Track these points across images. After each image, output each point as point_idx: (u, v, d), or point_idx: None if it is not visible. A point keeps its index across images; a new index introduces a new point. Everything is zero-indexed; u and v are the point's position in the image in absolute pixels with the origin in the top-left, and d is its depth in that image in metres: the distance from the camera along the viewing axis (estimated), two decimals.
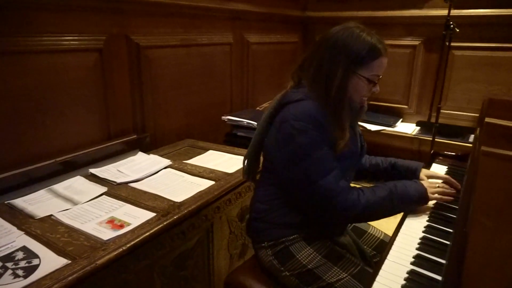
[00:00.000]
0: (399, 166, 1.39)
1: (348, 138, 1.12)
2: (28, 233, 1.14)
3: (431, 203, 1.21)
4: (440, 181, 1.28)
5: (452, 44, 2.52)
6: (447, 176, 1.33)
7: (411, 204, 1.16)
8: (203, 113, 2.41)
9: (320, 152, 1.08)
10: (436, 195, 1.19)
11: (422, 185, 1.18)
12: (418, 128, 2.99)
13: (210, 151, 1.98)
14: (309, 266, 1.12)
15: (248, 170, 1.29)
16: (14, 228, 1.16)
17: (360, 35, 1.11)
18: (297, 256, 1.14)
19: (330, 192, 1.08)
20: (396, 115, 3.19)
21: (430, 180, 1.29)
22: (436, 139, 2.62)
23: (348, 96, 1.14)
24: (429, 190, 1.18)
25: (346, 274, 1.10)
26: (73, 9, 1.56)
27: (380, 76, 1.17)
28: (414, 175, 1.34)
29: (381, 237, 1.40)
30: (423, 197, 1.16)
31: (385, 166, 1.41)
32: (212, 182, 1.55)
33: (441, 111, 2.63)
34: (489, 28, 2.68)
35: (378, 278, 0.89)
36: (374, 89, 1.18)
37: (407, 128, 3.01)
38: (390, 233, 1.15)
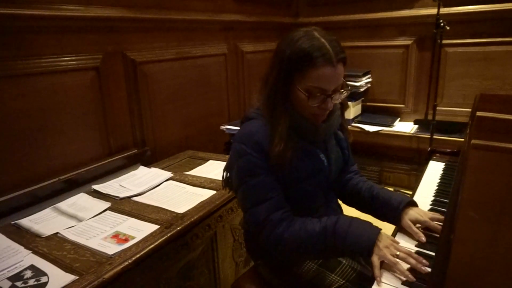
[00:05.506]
0: (379, 198, 1.15)
1: (285, 152, 1.00)
2: (35, 252, 1.16)
3: None
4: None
5: (444, 41, 2.55)
6: (434, 221, 1.05)
7: (345, 251, 0.97)
8: (201, 123, 2.44)
9: (255, 179, 1.02)
10: (390, 257, 0.90)
11: (375, 234, 0.95)
12: (416, 126, 3.01)
13: (210, 161, 2.01)
14: (306, 277, 1.12)
15: (226, 181, 1.22)
16: (22, 248, 1.18)
17: (299, 39, 0.97)
18: (294, 269, 1.14)
19: (257, 223, 1.02)
20: (393, 114, 3.21)
21: (400, 242, 0.98)
22: (434, 136, 2.64)
23: (296, 108, 1.04)
24: (384, 251, 0.91)
25: (344, 281, 1.08)
26: (69, 30, 1.60)
27: (329, 90, 0.99)
28: (394, 213, 1.10)
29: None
30: (367, 249, 0.93)
31: (365, 195, 1.19)
32: (214, 192, 1.57)
33: (438, 108, 2.66)
34: (479, 24, 2.72)
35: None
36: (322, 104, 1.00)
37: (405, 127, 3.03)
38: (389, 231, 1.16)
